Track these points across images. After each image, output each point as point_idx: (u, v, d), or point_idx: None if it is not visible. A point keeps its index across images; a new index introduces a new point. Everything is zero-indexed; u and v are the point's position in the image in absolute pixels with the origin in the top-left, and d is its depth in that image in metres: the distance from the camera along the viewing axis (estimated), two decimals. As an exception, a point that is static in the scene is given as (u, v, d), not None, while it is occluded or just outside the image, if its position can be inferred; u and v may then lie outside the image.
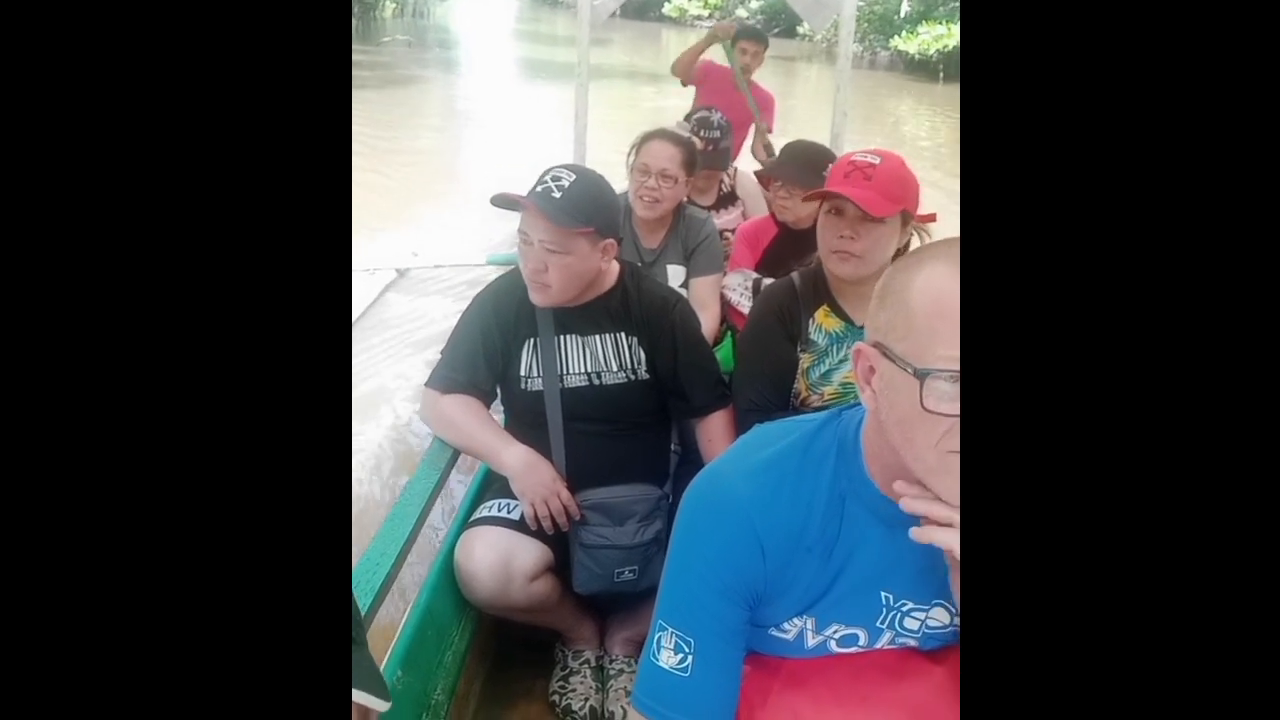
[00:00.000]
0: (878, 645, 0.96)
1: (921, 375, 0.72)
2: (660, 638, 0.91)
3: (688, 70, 3.93)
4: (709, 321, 2.32)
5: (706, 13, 26.12)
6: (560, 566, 1.66)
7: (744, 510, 0.88)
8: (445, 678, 1.56)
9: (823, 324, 1.67)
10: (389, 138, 8.25)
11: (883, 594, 0.92)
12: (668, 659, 0.90)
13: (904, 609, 0.93)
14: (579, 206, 1.56)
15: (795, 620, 0.93)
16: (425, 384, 1.75)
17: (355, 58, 13.79)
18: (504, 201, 1.57)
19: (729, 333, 2.35)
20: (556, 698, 1.71)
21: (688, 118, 2.95)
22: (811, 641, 0.95)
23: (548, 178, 1.59)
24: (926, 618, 0.93)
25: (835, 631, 0.94)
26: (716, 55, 3.97)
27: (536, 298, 1.62)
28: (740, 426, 1.69)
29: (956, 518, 0.74)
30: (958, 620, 0.93)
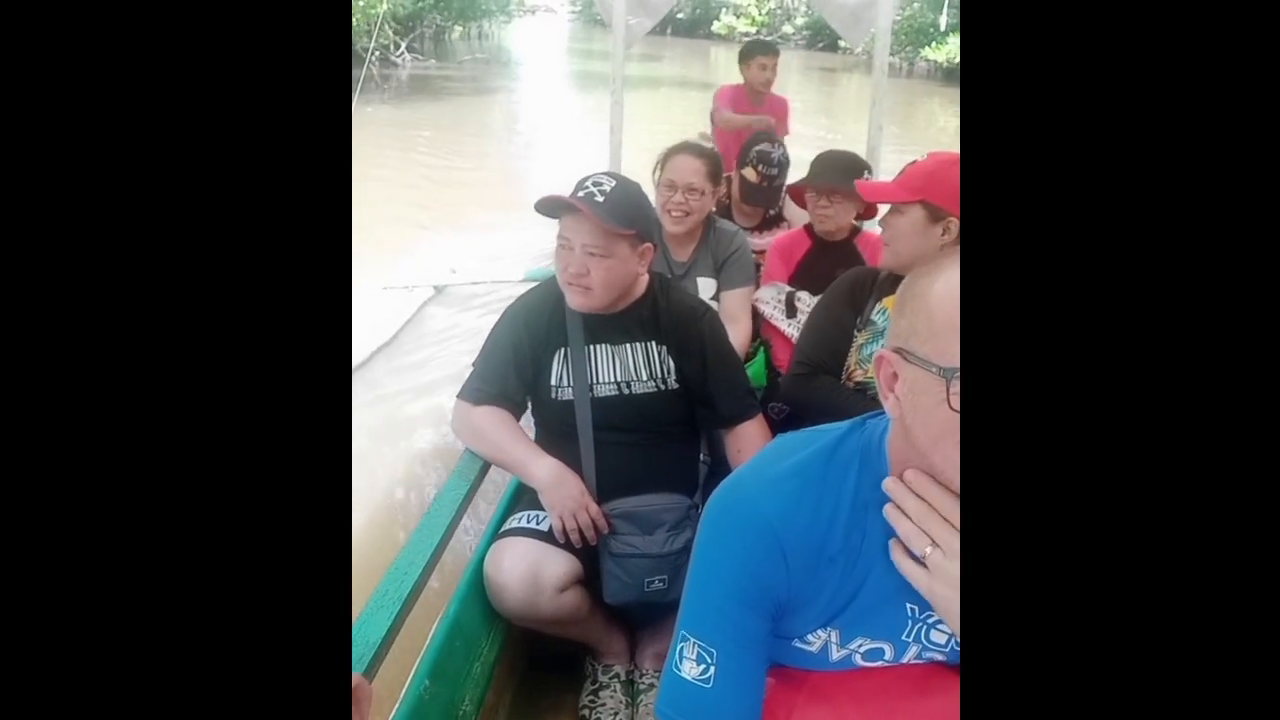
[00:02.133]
0: (904, 659, 0.94)
1: (948, 375, 0.71)
2: (682, 648, 0.90)
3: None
4: (740, 335, 2.31)
5: (754, 30, 26.76)
6: (589, 579, 1.65)
7: (766, 519, 0.87)
8: (474, 688, 1.56)
9: (888, 309, 1.73)
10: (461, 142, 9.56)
11: (908, 605, 0.90)
12: (689, 670, 0.89)
13: (930, 621, 0.91)
14: (622, 209, 1.59)
15: (819, 632, 0.92)
16: (457, 396, 1.76)
17: (439, 73, 16.13)
18: (548, 206, 1.59)
19: (761, 347, 2.34)
20: (586, 712, 1.70)
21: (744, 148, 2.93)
22: (836, 655, 0.93)
23: (589, 183, 1.63)
24: (935, 625, 0.91)
25: (860, 645, 0.93)
26: (733, 76, 4.05)
27: (577, 301, 1.63)
28: (785, 383, 1.85)
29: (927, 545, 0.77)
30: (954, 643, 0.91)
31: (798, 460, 0.90)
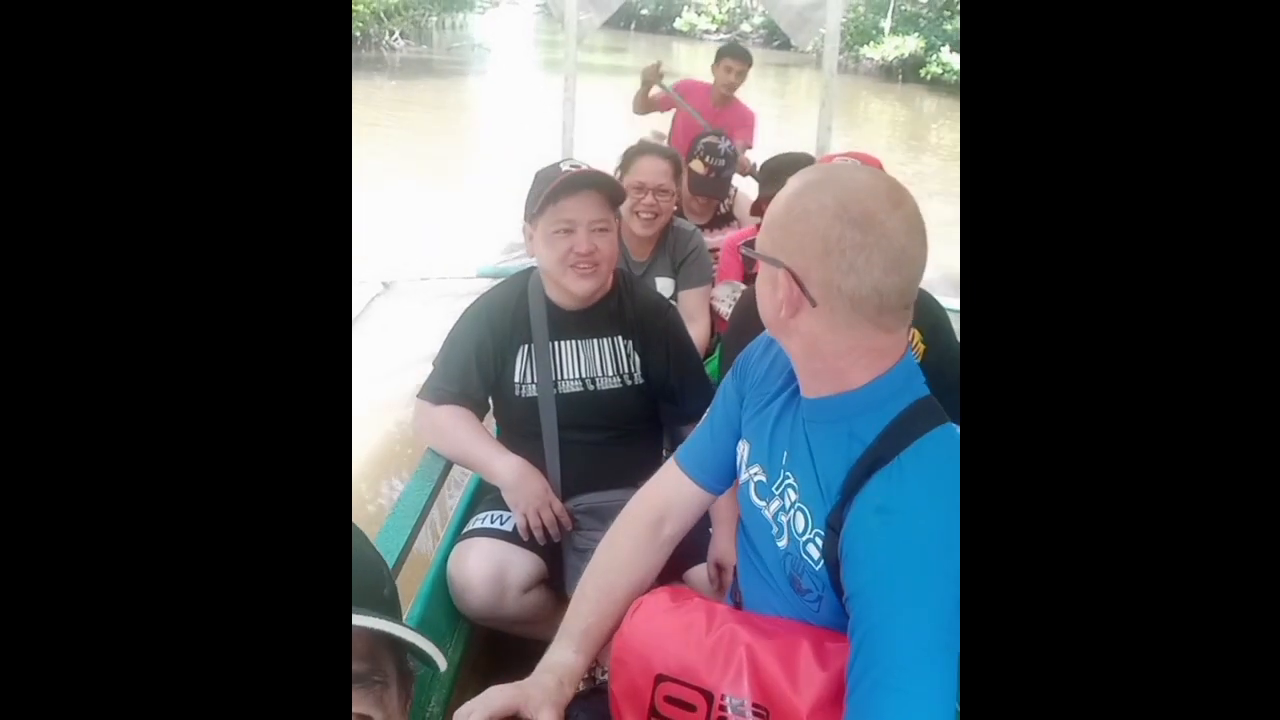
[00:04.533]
0: (771, 509, 1.04)
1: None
2: None
3: (645, 107, 4.10)
4: (699, 333, 2.33)
5: (714, 27, 27.61)
6: (553, 578, 1.66)
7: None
8: (439, 689, 1.55)
9: None
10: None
11: (784, 453, 1.03)
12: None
13: (787, 480, 1.02)
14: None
15: (742, 442, 1.13)
16: (417, 395, 1.75)
17: (428, 57, 18.18)
18: (575, 182, 1.58)
19: (719, 344, 2.37)
20: (550, 709, 1.70)
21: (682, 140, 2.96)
22: (744, 474, 1.11)
23: (566, 165, 1.64)
24: (796, 505, 1.00)
25: (755, 473, 1.08)
26: (702, 74, 4.07)
27: (585, 285, 1.62)
28: None
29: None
30: (811, 544, 0.98)
31: None
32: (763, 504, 1.06)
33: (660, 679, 0.99)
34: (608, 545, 1.17)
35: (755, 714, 0.94)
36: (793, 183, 0.96)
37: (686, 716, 0.97)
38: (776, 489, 1.04)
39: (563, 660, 1.05)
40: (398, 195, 6.58)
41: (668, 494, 1.20)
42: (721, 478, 1.18)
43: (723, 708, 0.95)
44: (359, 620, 0.49)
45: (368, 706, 0.51)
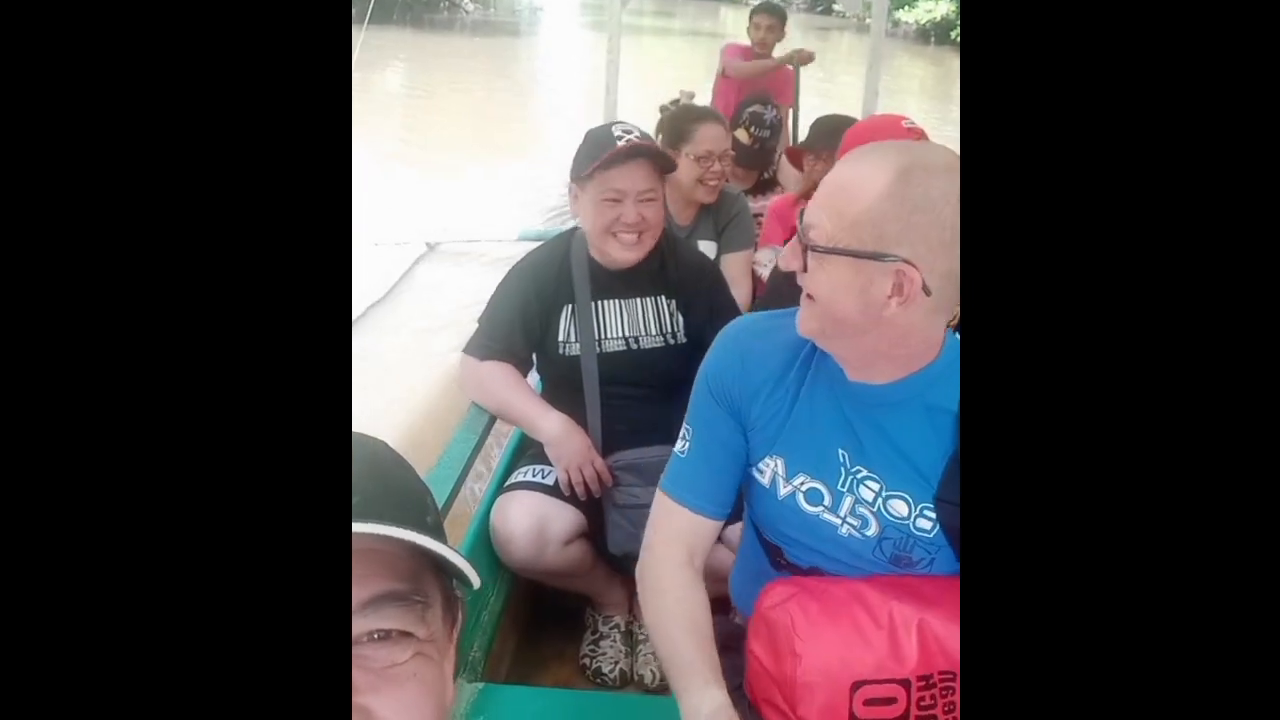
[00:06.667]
0: (841, 510, 1.02)
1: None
2: (681, 433, 1.12)
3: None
4: (741, 298, 2.32)
5: None
6: (593, 532, 1.69)
7: (742, 331, 1.10)
8: (481, 636, 1.60)
9: None
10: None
11: (840, 451, 1.01)
12: (679, 446, 1.12)
13: (859, 475, 1.00)
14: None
15: (769, 460, 1.06)
16: (463, 350, 1.78)
17: (496, 19, 19.84)
18: (625, 153, 1.59)
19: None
20: (587, 660, 1.75)
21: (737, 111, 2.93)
22: (784, 490, 1.06)
23: (618, 130, 1.65)
24: (883, 496, 0.99)
25: (801, 483, 1.04)
26: (740, 36, 4.06)
27: (629, 255, 1.65)
28: None
29: None
30: (922, 518, 0.98)
31: (787, 312, 1.03)
32: (819, 509, 1.04)
33: (856, 685, 0.97)
34: (660, 593, 1.08)
35: (948, 683, 0.95)
36: (876, 173, 0.87)
37: (888, 712, 0.96)
38: (843, 487, 1.01)
39: (714, 702, 0.96)
40: (448, 159, 6.68)
41: (683, 534, 1.11)
42: (727, 503, 1.12)
43: (919, 689, 0.95)
44: (391, 531, 0.49)
45: (409, 624, 0.51)
